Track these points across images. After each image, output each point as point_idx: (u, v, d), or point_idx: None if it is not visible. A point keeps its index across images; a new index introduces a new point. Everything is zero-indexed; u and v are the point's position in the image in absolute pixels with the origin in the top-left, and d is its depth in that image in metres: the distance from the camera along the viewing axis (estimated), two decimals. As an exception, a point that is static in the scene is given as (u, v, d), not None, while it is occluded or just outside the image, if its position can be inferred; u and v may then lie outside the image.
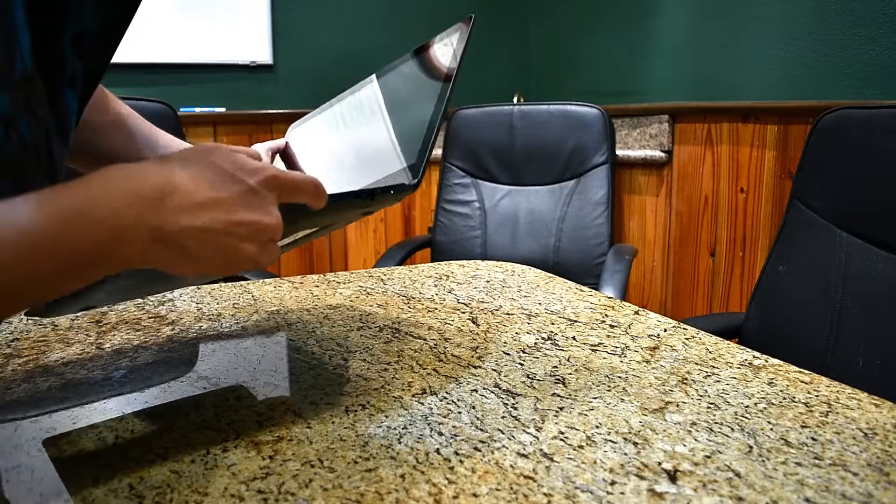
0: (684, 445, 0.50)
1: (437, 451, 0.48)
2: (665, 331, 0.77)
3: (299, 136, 0.79)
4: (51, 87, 0.44)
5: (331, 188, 0.50)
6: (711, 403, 0.57)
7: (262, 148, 0.78)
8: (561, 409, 0.56)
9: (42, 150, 0.44)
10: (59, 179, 0.47)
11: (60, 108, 0.46)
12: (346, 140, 0.72)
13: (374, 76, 0.75)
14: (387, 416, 0.54)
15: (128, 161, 0.51)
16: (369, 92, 0.74)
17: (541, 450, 0.49)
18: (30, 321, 0.80)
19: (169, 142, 0.72)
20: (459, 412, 0.55)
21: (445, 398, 0.57)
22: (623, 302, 0.89)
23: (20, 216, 0.35)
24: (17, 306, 0.38)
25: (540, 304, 0.87)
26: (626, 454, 0.48)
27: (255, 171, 0.43)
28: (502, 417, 0.54)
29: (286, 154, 0.78)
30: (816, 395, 0.59)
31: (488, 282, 0.99)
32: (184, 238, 0.40)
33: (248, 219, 0.42)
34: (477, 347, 0.70)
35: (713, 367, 0.66)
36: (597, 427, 0.53)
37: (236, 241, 0.42)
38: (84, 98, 0.51)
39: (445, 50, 0.67)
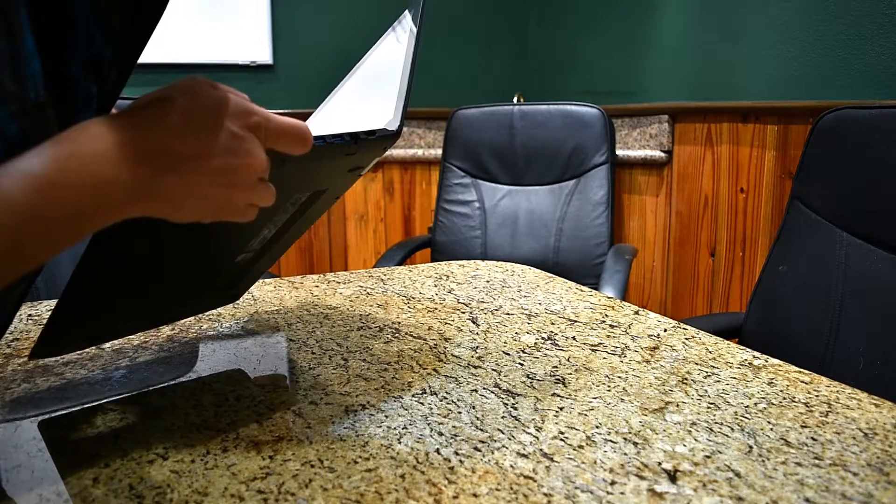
0: (684, 445, 0.50)
1: (437, 451, 0.48)
2: (665, 331, 0.77)
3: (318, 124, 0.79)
4: (64, 110, 0.44)
5: None
6: (711, 403, 0.57)
7: None
8: (561, 409, 0.56)
9: None
10: None
11: None
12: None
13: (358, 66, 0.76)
14: (387, 416, 0.54)
15: None
16: (361, 72, 0.75)
17: (541, 450, 0.49)
18: (30, 321, 0.80)
19: None
20: (459, 412, 0.55)
21: (445, 398, 0.57)
22: (623, 302, 0.89)
23: (24, 164, 0.34)
24: (18, 263, 0.36)
25: (540, 304, 0.87)
26: (626, 454, 0.48)
27: (238, 115, 0.41)
28: (502, 417, 0.54)
29: None
30: (816, 395, 0.59)
31: (488, 282, 0.99)
32: (167, 191, 0.39)
33: (232, 164, 0.40)
34: (477, 347, 0.70)
35: (713, 367, 0.66)
36: (597, 427, 0.53)
37: (223, 189, 0.41)
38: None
39: (403, 23, 0.70)
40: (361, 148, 0.55)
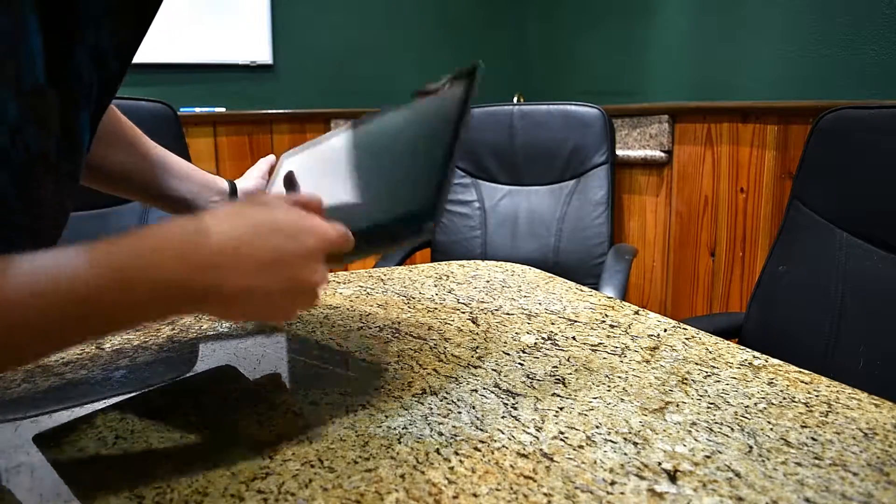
0: (684, 445, 0.50)
1: (437, 451, 0.48)
2: (665, 331, 0.77)
3: (296, 164, 0.79)
4: (66, 98, 0.45)
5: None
6: (711, 403, 0.57)
7: (265, 164, 0.80)
8: (561, 409, 0.56)
9: (53, 158, 0.44)
10: (75, 188, 0.48)
11: (73, 117, 0.46)
12: (352, 176, 0.72)
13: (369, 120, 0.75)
14: (387, 416, 0.54)
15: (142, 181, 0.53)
16: (365, 130, 0.74)
17: (541, 450, 0.49)
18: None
19: (181, 166, 0.73)
20: (459, 412, 0.55)
21: (445, 398, 0.57)
22: (623, 302, 0.89)
23: (74, 269, 0.36)
24: (40, 356, 0.39)
25: (540, 304, 0.87)
26: (626, 454, 0.48)
27: (308, 231, 0.44)
28: (502, 417, 0.54)
29: (290, 181, 0.79)
30: (816, 395, 0.59)
31: (488, 282, 0.99)
32: (232, 298, 0.41)
33: (305, 278, 0.43)
34: (477, 347, 0.70)
35: (713, 367, 0.66)
36: (597, 427, 0.53)
37: (283, 299, 0.43)
38: (99, 109, 0.52)
39: (451, 93, 0.67)
40: (399, 240, 0.57)
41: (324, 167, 0.74)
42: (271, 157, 0.83)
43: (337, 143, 0.75)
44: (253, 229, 0.42)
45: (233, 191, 0.77)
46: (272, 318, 0.45)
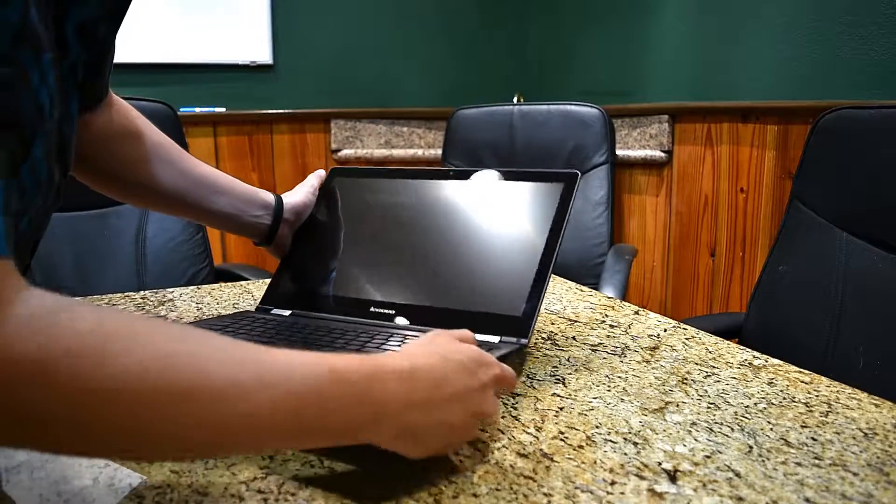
0: (684, 445, 0.50)
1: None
2: (665, 331, 0.77)
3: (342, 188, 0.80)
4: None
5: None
6: (711, 403, 0.57)
7: (315, 179, 0.80)
8: (561, 409, 0.56)
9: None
10: (68, 162, 0.48)
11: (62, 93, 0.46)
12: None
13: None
14: (387, 416, 0.54)
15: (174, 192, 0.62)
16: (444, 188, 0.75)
17: (541, 450, 0.49)
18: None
19: (217, 177, 0.74)
20: (459, 412, 0.55)
21: (445, 398, 0.57)
22: (623, 302, 0.89)
23: (300, 377, 0.37)
24: (247, 451, 0.44)
25: (540, 304, 0.87)
26: (626, 454, 0.48)
27: (486, 365, 0.47)
28: (502, 417, 0.54)
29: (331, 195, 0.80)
30: (816, 395, 0.59)
31: (488, 282, 0.99)
32: (427, 429, 0.43)
33: (482, 410, 0.45)
34: (477, 347, 0.70)
35: (713, 367, 0.66)
36: (597, 427, 0.53)
37: (466, 429, 0.45)
38: (85, 86, 0.52)
39: (550, 193, 0.69)
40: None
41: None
42: (321, 172, 0.82)
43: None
44: (446, 365, 0.44)
45: (278, 205, 0.76)
46: (444, 447, 0.46)
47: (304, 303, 0.74)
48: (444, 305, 0.66)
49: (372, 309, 0.70)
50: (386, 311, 0.69)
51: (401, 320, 0.68)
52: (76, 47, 0.47)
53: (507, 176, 0.72)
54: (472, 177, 0.74)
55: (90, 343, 0.32)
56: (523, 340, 0.61)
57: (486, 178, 0.73)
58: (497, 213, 0.71)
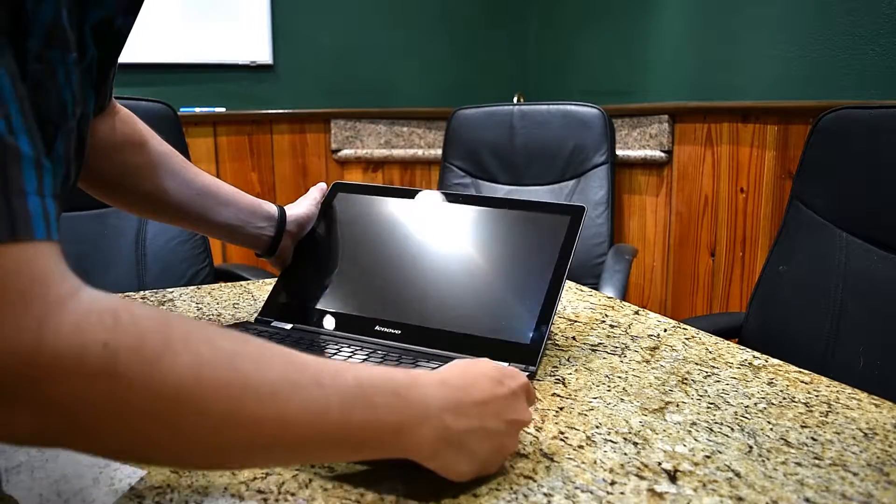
0: (684, 445, 0.50)
1: (437, 451, 0.48)
2: (665, 331, 0.77)
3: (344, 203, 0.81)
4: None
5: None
6: (711, 403, 0.57)
7: (317, 191, 0.80)
8: (561, 409, 0.56)
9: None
10: (82, 162, 0.48)
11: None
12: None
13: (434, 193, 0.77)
14: (387, 416, 0.54)
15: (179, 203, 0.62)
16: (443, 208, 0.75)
17: (541, 450, 0.49)
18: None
19: (227, 191, 0.74)
20: (459, 412, 0.55)
21: (445, 398, 0.57)
22: (623, 302, 0.89)
23: (337, 383, 0.38)
24: (274, 464, 0.45)
25: (540, 304, 0.87)
26: (626, 454, 0.48)
27: (512, 376, 0.47)
28: (502, 417, 0.54)
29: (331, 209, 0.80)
30: (816, 395, 0.59)
31: (488, 282, 0.99)
32: (467, 435, 0.43)
33: (515, 417, 0.46)
34: (477, 347, 0.70)
35: (713, 367, 0.66)
36: (597, 427, 0.53)
37: (504, 437, 0.45)
38: (99, 87, 0.52)
39: (557, 225, 0.69)
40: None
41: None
42: (322, 185, 0.82)
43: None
44: (473, 375, 0.45)
45: (281, 217, 0.76)
46: (492, 461, 0.45)
47: (307, 317, 0.73)
48: (452, 329, 0.66)
49: (377, 328, 0.69)
50: (392, 330, 0.68)
51: (407, 340, 0.68)
52: (91, 48, 0.47)
53: (515, 205, 0.73)
54: (476, 203, 0.74)
55: (152, 340, 0.32)
56: (532, 368, 0.62)
57: (493, 205, 0.74)
58: (504, 240, 0.71)
